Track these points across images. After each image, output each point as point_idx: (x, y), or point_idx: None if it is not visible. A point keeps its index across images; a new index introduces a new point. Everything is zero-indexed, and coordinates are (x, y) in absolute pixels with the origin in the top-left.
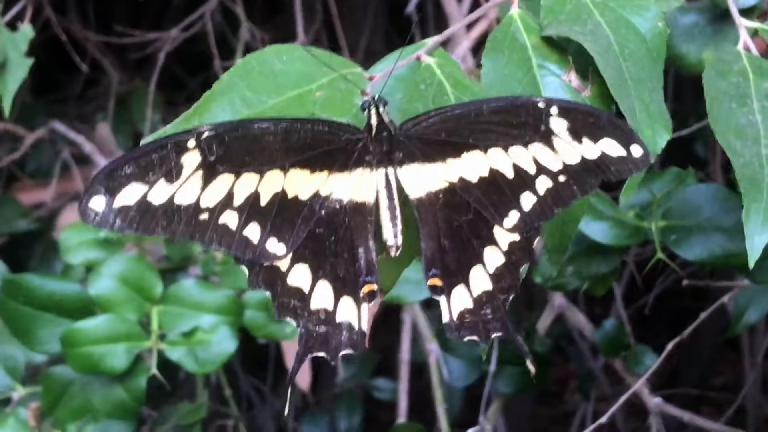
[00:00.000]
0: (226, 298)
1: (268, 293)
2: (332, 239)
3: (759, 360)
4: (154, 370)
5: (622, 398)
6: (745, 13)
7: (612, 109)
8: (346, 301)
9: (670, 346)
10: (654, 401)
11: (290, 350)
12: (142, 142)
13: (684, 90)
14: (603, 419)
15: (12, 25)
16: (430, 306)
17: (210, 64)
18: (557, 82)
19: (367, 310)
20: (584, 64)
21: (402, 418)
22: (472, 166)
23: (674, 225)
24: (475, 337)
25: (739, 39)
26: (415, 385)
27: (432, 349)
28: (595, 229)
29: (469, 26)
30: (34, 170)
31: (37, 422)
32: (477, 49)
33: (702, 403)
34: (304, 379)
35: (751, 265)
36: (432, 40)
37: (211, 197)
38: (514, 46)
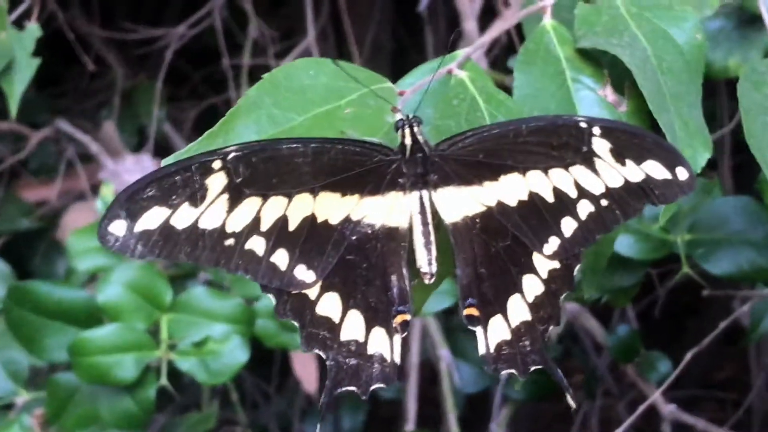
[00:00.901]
0: (237, 307)
1: (295, 323)
2: (364, 266)
3: (766, 361)
4: (164, 381)
5: (641, 408)
6: None
7: (649, 126)
8: (378, 332)
9: (689, 355)
10: (668, 408)
11: (298, 357)
12: (164, 162)
13: None
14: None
15: (18, 24)
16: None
17: (214, 58)
18: (592, 97)
19: (400, 341)
20: (619, 78)
21: (411, 424)
22: (510, 189)
23: (701, 238)
24: (513, 371)
25: None
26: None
27: (443, 354)
28: (620, 242)
29: (482, 27)
30: (38, 168)
31: (41, 430)
32: (489, 51)
33: (705, 399)
34: (310, 381)
35: None
36: (463, 53)
37: (238, 222)
38: (547, 58)
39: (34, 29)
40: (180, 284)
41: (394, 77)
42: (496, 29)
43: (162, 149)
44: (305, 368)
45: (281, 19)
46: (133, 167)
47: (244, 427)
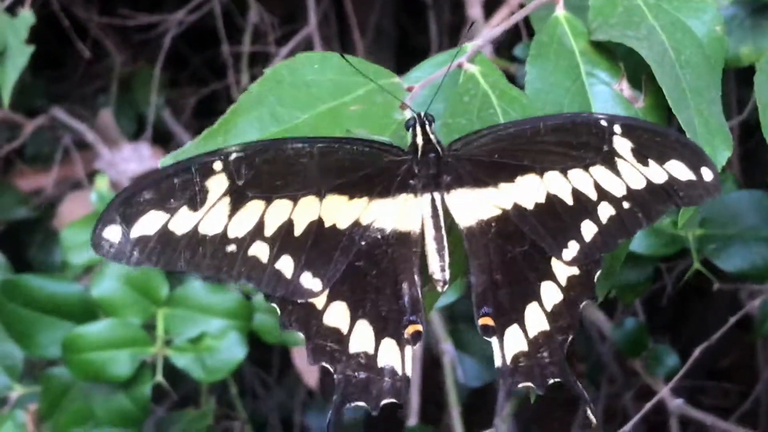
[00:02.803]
0: (235, 301)
1: (301, 335)
2: (373, 273)
3: None
4: (160, 378)
5: (649, 405)
6: None
7: (666, 123)
8: (388, 344)
9: (697, 351)
10: (675, 403)
11: (298, 350)
12: (161, 163)
13: None
14: (627, 428)
15: (11, 11)
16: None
17: (216, 41)
18: (608, 92)
19: (411, 353)
20: (635, 72)
21: (414, 418)
22: (527, 191)
23: (713, 234)
24: (530, 384)
25: None
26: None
27: (446, 349)
28: None
29: (488, 13)
30: (34, 156)
31: (35, 426)
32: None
33: (710, 387)
34: (311, 374)
35: None
36: (472, 45)
37: (240, 226)
38: (561, 51)
39: (27, 17)
40: (177, 278)
41: (398, 63)
42: (504, 17)
43: (161, 137)
44: (306, 361)
45: (283, 3)
46: (131, 156)
47: (242, 422)
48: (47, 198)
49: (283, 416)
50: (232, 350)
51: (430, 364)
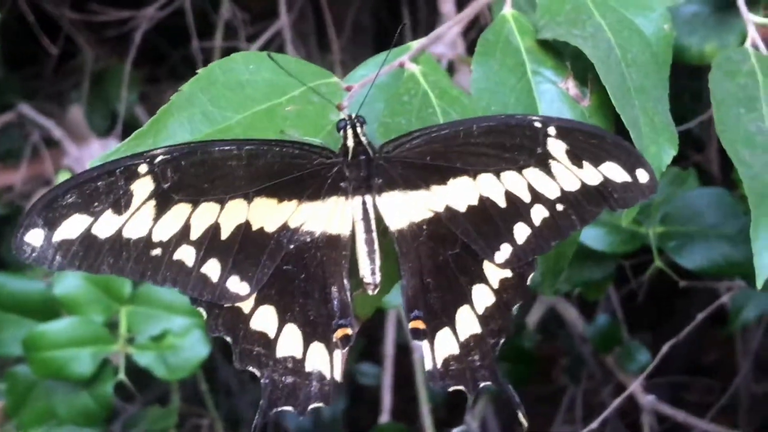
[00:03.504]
0: None
1: (228, 339)
2: (302, 277)
3: (753, 347)
4: (122, 376)
5: (617, 401)
6: (751, 4)
7: (613, 122)
8: (317, 348)
9: (665, 347)
10: (647, 399)
11: None
12: (89, 165)
13: (679, 67)
14: (594, 425)
15: None
16: None
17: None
18: (554, 91)
19: (341, 357)
20: (583, 70)
21: (385, 415)
22: (459, 193)
23: (674, 231)
24: (461, 387)
25: (747, 35)
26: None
27: (416, 346)
28: (589, 235)
29: (460, 6)
30: (3, 153)
31: (1, 423)
32: (467, 32)
33: (693, 383)
34: None
35: (760, 284)
36: (417, 44)
37: (165, 230)
38: (507, 49)
39: None
40: None
41: None
42: (461, 17)
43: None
44: None
45: (257, 1)
46: (99, 152)
47: (211, 420)
48: (17, 195)
49: (257, 412)
50: (195, 348)
51: (407, 359)
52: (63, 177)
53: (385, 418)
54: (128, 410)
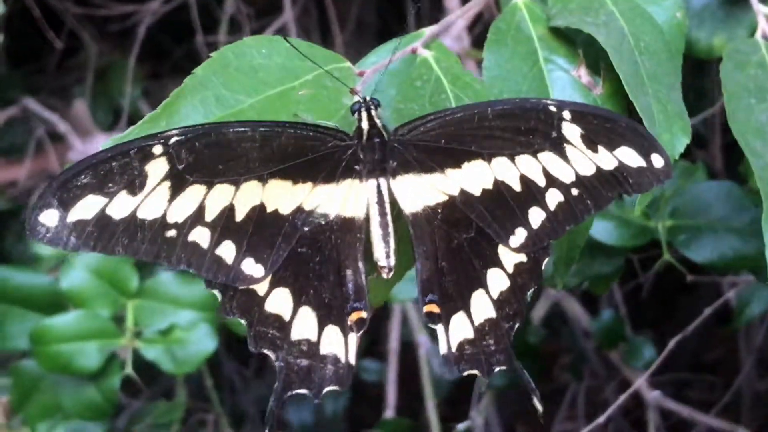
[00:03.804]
0: (205, 293)
1: (243, 322)
2: (317, 260)
3: (756, 343)
4: (129, 370)
5: (623, 396)
6: None
7: (625, 110)
8: (332, 331)
9: (672, 343)
10: (653, 395)
11: None
12: (102, 146)
13: (682, 64)
14: (601, 419)
15: None
16: None
17: (195, 33)
18: (566, 78)
19: (356, 340)
20: (595, 58)
21: (390, 410)
22: (474, 177)
23: (683, 224)
24: (476, 371)
25: (757, 26)
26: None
27: (421, 341)
28: (599, 229)
29: (465, 2)
30: (8, 148)
31: (6, 418)
32: (472, 27)
33: (695, 380)
34: None
35: None
36: (429, 30)
37: (180, 211)
38: (518, 37)
39: None
40: (147, 269)
41: None
42: (470, 5)
43: None
44: None
45: None
46: None
47: (216, 415)
48: (22, 189)
49: (261, 410)
50: (202, 342)
51: (411, 356)
52: None
53: (389, 413)
54: (132, 405)
